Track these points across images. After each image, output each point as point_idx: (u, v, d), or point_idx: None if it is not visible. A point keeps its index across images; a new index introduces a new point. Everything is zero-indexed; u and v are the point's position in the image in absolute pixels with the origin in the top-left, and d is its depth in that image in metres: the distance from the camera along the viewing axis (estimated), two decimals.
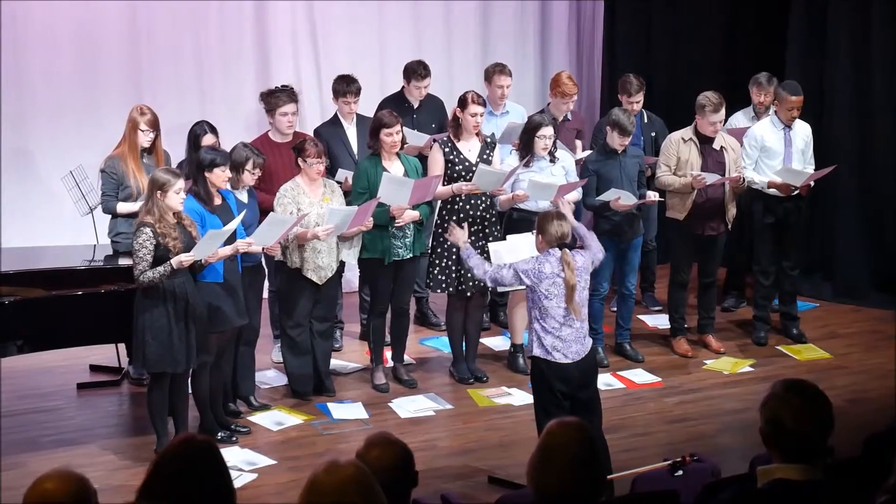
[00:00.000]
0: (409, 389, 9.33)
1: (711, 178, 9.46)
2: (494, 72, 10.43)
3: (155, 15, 10.99)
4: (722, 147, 9.72)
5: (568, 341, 7.13)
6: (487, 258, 8.75)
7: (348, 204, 8.88)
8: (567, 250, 7.13)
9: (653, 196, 9.57)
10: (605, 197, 9.20)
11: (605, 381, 9.16)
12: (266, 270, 9.09)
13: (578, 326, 7.17)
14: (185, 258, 7.59)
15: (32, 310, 7.95)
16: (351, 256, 9.01)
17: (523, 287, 7.46)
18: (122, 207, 8.95)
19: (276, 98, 9.46)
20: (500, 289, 8.53)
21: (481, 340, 9.86)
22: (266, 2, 11.34)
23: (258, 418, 8.75)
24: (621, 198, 9.18)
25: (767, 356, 10.03)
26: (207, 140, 8.95)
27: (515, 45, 12.48)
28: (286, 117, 9.43)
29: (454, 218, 9.12)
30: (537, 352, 7.21)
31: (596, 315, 9.29)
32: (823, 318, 11.02)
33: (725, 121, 10.35)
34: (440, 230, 9.23)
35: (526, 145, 9.25)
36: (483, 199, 9.17)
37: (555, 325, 7.12)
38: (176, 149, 9.42)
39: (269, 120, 9.57)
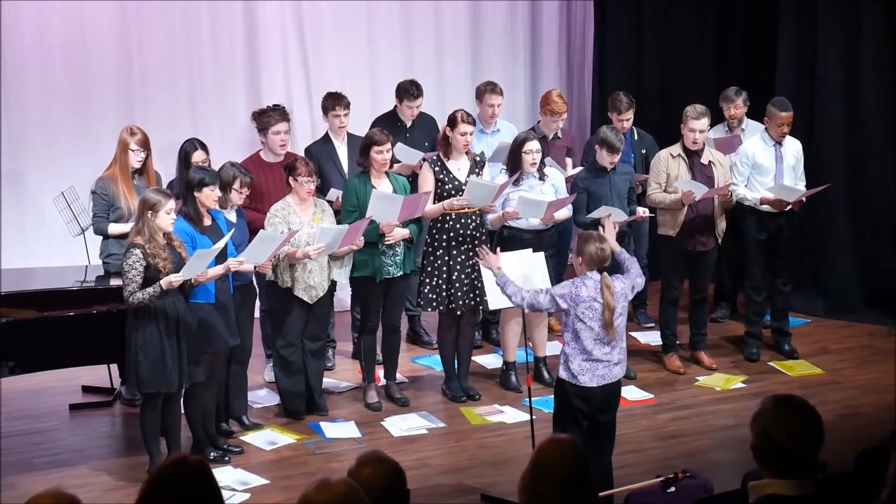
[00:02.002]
0: (402, 408, 9.32)
1: (700, 192, 9.47)
2: (486, 90, 10.45)
3: (147, 36, 11.03)
4: (710, 161, 9.76)
5: (596, 365, 7.11)
6: (479, 276, 8.76)
7: (338, 223, 8.88)
8: (606, 274, 7.11)
9: (643, 213, 9.60)
10: (595, 214, 9.21)
11: None
12: (257, 290, 9.10)
13: (608, 351, 7.12)
14: (173, 279, 7.58)
15: (24, 331, 7.94)
16: (342, 276, 9.00)
17: (515, 305, 7.49)
18: (114, 228, 8.95)
19: (268, 117, 9.47)
20: (491, 307, 8.53)
21: (473, 358, 9.87)
22: (257, 21, 11.38)
23: (251, 438, 8.74)
24: (612, 215, 9.19)
25: (759, 372, 10.02)
26: (197, 157, 8.96)
27: (506, 64, 12.50)
28: (279, 136, 9.44)
29: (444, 237, 9.14)
30: (563, 374, 7.19)
31: None
32: (815, 334, 11.02)
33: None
34: (430, 249, 9.23)
35: (514, 163, 9.26)
36: (473, 217, 9.18)
37: (586, 348, 7.09)
38: (169, 169, 9.43)
39: (262, 139, 9.57)
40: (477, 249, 8.57)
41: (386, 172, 9.01)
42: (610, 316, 7.05)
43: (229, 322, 8.26)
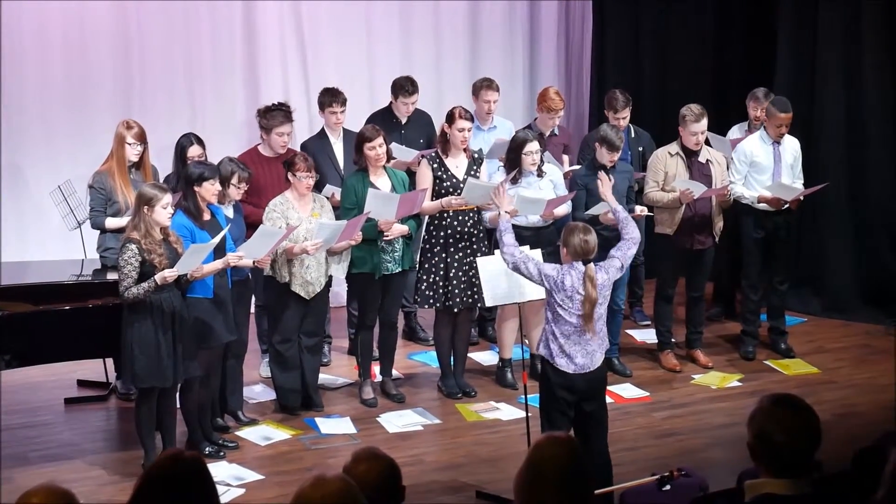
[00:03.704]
0: (398, 404, 9.31)
1: (698, 191, 9.47)
2: (482, 86, 10.43)
3: (145, 31, 11.01)
4: (708, 160, 9.76)
5: (574, 352, 7.11)
6: (476, 274, 8.73)
7: (337, 219, 8.87)
8: (591, 265, 7.10)
9: (641, 210, 9.58)
10: (594, 210, 9.21)
11: None
12: (253, 285, 9.09)
13: (587, 339, 7.13)
14: (168, 274, 7.56)
15: (20, 325, 7.94)
16: (340, 271, 9.00)
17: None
18: (111, 223, 8.94)
19: (272, 117, 9.45)
20: (488, 304, 8.52)
21: (469, 355, 9.85)
22: (255, 18, 11.36)
23: (246, 433, 8.74)
24: (611, 212, 9.19)
25: (755, 371, 10.02)
26: (193, 151, 8.96)
27: (504, 60, 12.49)
28: (282, 137, 9.46)
29: (442, 234, 9.13)
30: (542, 351, 7.21)
31: None
32: (812, 333, 11.02)
33: (724, 134, 10.45)
34: (427, 246, 9.23)
35: (513, 162, 9.25)
36: (470, 215, 9.18)
37: (564, 333, 7.10)
38: (166, 164, 9.43)
39: (263, 136, 9.56)
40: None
41: (384, 167, 9.00)
42: (590, 308, 7.05)
43: (227, 317, 8.26)
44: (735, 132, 10.76)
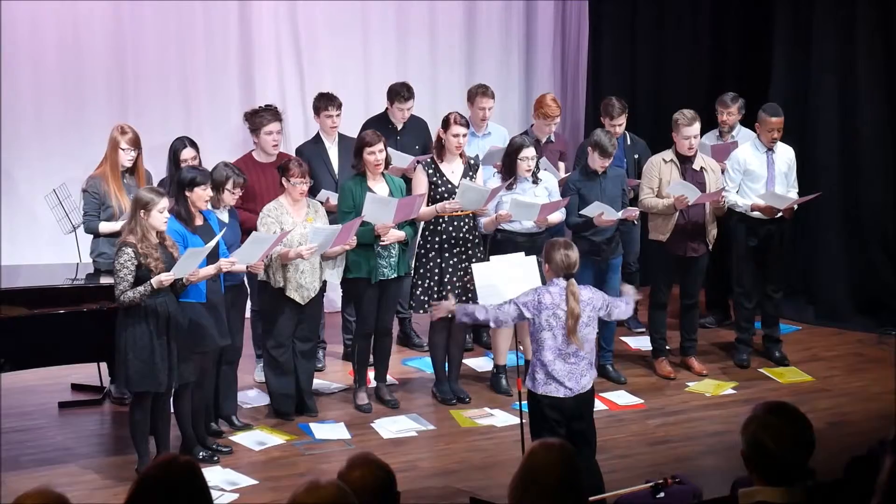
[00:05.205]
0: (392, 410, 9.31)
1: (693, 197, 9.47)
2: (477, 93, 10.44)
3: (140, 35, 11.00)
4: (702, 168, 9.76)
5: (562, 375, 7.08)
6: (472, 279, 8.73)
7: (332, 224, 8.86)
8: (573, 280, 7.06)
9: (633, 210, 9.54)
10: (588, 211, 9.21)
11: None
12: (248, 290, 9.08)
13: (574, 361, 7.09)
14: (164, 278, 7.56)
15: (14, 328, 7.93)
16: (334, 276, 9.00)
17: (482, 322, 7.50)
18: (105, 227, 8.93)
19: (260, 118, 9.46)
20: None
21: (464, 361, 9.85)
22: (251, 22, 11.35)
23: (240, 438, 8.73)
24: (604, 213, 9.19)
25: (750, 378, 10.02)
26: (186, 154, 8.95)
27: (500, 67, 12.49)
28: (271, 136, 9.44)
29: (437, 239, 9.13)
30: (528, 384, 7.18)
31: None
32: (806, 341, 11.02)
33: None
34: (422, 251, 9.23)
35: (509, 168, 9.25)
36: (466, 220, 9.18)
37: (550, 358, 7.06)
38: (161, 169, 9.42)
39: (254, 140, 9.57)
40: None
41: (382, 173, 9.00)
42: (574, 324, 7.00)
43: (220, 322, 8.25)
44: (711, 139, 10.74)
